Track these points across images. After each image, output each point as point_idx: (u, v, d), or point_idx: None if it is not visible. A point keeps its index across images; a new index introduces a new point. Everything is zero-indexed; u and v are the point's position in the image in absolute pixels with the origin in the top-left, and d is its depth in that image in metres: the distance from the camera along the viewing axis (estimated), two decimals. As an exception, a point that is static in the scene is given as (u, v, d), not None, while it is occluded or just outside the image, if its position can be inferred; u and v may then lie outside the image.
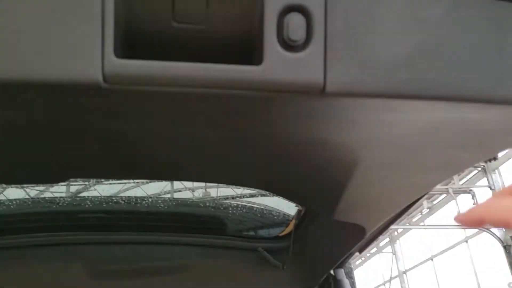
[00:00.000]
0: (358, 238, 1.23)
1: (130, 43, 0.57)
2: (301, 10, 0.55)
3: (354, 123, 0.68)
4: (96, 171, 0.98)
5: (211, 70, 0.54)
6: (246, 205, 1.56)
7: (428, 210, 10.11)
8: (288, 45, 0.55)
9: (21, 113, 0.63)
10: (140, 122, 0.67)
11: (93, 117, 0.66)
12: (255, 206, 1.56)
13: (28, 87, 0.53)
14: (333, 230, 1.25)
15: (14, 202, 1.42)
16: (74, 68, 0.51)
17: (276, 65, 0.54)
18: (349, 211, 1.09)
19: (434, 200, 9.92)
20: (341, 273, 1.49)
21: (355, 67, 0.56)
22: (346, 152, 0.78)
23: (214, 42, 0.58)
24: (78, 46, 0.51)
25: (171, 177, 1.22)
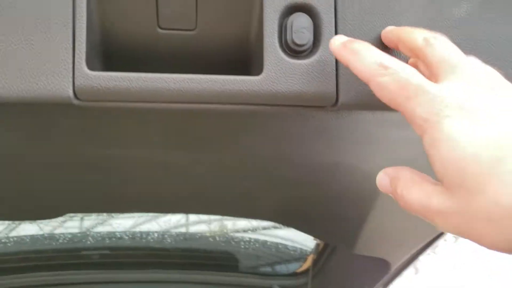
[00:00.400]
0: (382, 273, 1.12)
1: (108, 54, 0.49)
2: (307, 9, 0.47)
3: (372, 141, 0.59)
4: (87, 205, 0.89)
5: (202, 82, 0.45)
6: (259, 239, 1.46)
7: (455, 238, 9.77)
8: (293, 51, 0.46)
9: None
10: (122, 147, 0.59)
11: (68, 141, 0.58)
12: (270, 240, 1.45)
13: None
14: (355, 265, 1.14)
15: (11, 239, 1.34)
16: (39, 83, 0.43)
17: (279, 74, 0.46)
18: (371, 244, 0.98)
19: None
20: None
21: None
22: (365, 177, 0.69)
23: (207, 50, 0.50)
24: (44, 56, 0.43)
25: (169, 210, 1.14)
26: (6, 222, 1.40)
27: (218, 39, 0.49)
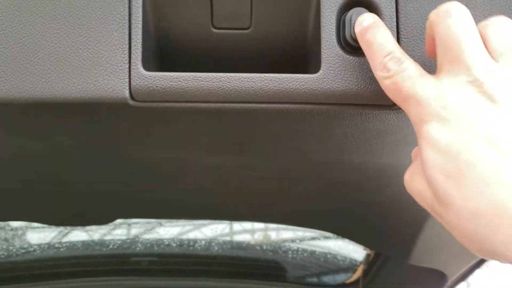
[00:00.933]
0: (438, 285, 1.07)
1: (162, 54, 0.49)
2: (366, 4, 0.45)
3: None
4: (137, 210, 0.90)
5: (257, 80, 0.44)
6: (307, 249, 1.43)
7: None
8: (352, 47, 0.44)
9: (45, 143, 0.56)
10: (173, 150, 0.59)
11: (123, 143, 0.58)
12: (318, 249, 1.42)
13: (48, 108, 0.45)
14: (409, 277, 1.10)
15: (64, 245, 1.37)
16: (96, 84, 0.43)
17: (337, 71, 0.44)
18: (427, 254, 0.94)
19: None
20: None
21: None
22: None
23: (261, 48, 0.49)
24: (101, 58, 0.43)
25: (217, 217, 1.13)
26: (58, 228, 1.43)
27: (273, 37, 0.48)
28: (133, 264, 1.37)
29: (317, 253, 1.43)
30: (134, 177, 0.70)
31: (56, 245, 1.37)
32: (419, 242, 0.87)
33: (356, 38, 0.43)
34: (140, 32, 0.43)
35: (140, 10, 0.43)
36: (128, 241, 1.41)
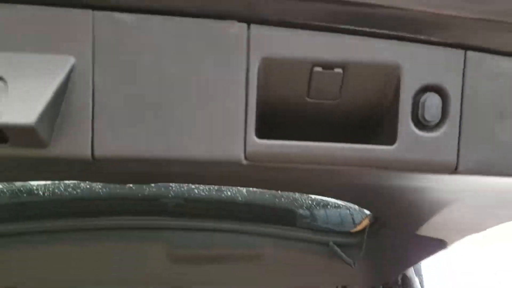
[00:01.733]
0: (438, 249, 1.22)
1: (265, 117, 0.58)
2: (438, 90, 0.54)
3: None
4: None
5: (345, 149, 0.54)
6: (321, 199, 1.57)
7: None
8: (422, 125, 0.54)
9: None
10: None
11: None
12: (331, 200, 1.56)
13: (180, 164, 0.55)
14: (411, 240, 1.24)
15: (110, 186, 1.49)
16: (219, 148, 0.53)
17: (410, 145, 0.55)
18: (433, 229, 1.09)
19: None
20: (410, 271, 1.50)
21: (488, 148, 0.56)
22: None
23: (344, 116, 0.59)
24: (223, 128, 0.53)
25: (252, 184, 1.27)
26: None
27: (355, 108, 0.58)
28: (163, 205, 1.51)
29: (329, 203, 1.58)
30: None
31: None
32: (424, 219, 1.00)
33: (428, 119, 0.54)
34: (254, 108, 0.53)
35: (255, 91, 0.52)
36: (162, 186, 1.53)
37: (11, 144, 0.50)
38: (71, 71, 0.50)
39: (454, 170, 0.55)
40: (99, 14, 0.51)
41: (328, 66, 0.53)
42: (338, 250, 1.47)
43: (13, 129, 0.48)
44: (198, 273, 1.53)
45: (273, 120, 0.59)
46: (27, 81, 0.49)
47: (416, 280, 1.50)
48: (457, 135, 0.55)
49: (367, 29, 0.53)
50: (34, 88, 0.48)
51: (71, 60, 0.51)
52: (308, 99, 0.57)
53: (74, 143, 0.52)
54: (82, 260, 1.46)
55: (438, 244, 1.17)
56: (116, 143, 0.52)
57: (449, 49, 0.54)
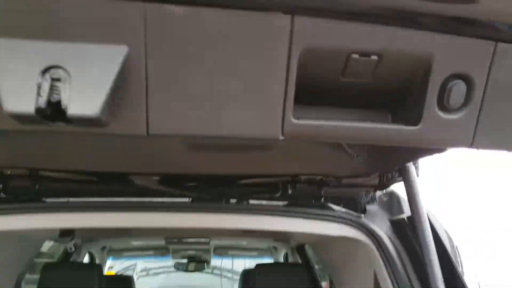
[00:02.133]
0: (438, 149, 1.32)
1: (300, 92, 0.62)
2: (465, 78, 0.58)
3: None
4: None
5: (375, 129, 0.61)
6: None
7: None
8: (446, 108, 0.60)
9: None
10: None
11: None
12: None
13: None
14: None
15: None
16: (261, 127, 0.59)
17: (432, 126, 0.61)
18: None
19: None
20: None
21: (502, 129, 0.62)
22: None
23: (373, 95, 0.63)
24: (265, 110, 0.58)
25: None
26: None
27: (383, 88, 0.62)
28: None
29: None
30: None
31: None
32: None
33: (452, 104, 0.59)
34: (293, 93, 0.57)
35: (294, 78, 0.56)
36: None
37: (75, 125, 0.56)
38: (125, 59, 0.54)
39: (470, 145, 0.62)
40: (151, 6, 0.52)
41: (365, 54, 0.57)
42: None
43: (79, 118, 0.53)
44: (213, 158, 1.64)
45: (305, 93, 0.63)
46: (87, 71, 0.52)
47: (413, 169, 1.63)
48: (476, 118, 0.60)
49: (407, 22, 0.55)
50: (94, 79, 0.52)
51: (125, 49, 0.54)
52: (342, 79, 0.61)
53: (131, 122, 0.58)
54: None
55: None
56: (168, 122, 0.58)
57: (480, 40, 0.56)
